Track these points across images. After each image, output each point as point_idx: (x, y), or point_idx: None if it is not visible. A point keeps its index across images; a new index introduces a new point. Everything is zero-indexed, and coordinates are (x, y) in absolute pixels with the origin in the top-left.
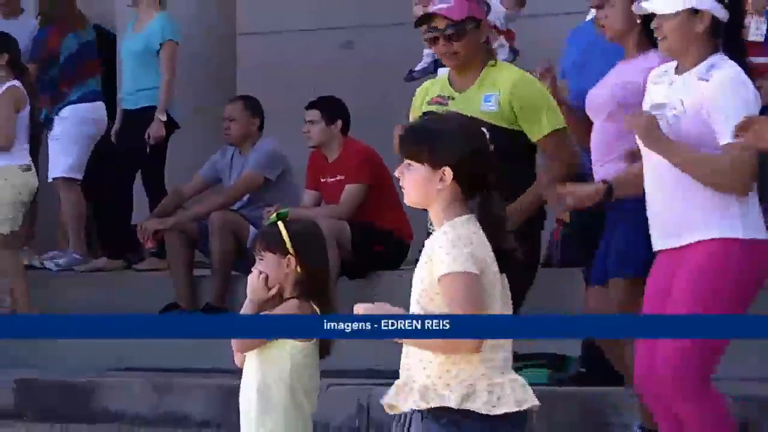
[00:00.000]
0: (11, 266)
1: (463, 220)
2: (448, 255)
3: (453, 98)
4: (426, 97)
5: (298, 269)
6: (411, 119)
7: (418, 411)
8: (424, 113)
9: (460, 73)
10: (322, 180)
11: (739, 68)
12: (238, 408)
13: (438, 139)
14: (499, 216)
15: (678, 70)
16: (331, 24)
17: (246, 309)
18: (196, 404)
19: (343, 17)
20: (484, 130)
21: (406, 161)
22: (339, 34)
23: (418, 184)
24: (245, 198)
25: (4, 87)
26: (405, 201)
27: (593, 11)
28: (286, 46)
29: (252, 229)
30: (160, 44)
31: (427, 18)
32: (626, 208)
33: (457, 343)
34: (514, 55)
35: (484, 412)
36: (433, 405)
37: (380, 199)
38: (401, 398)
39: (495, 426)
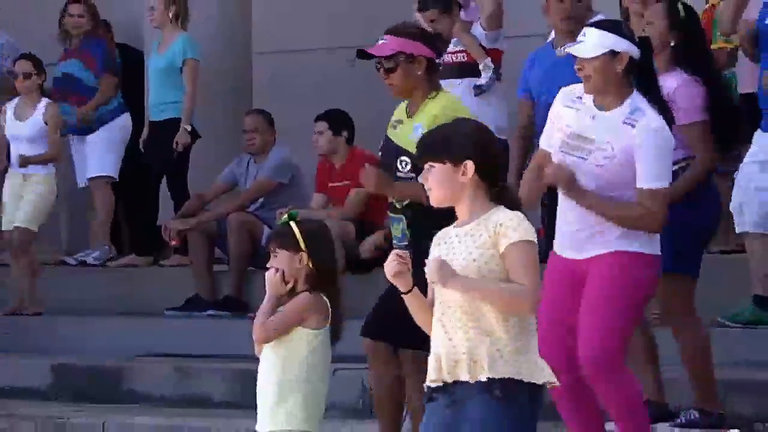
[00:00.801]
0: (34, 263)
1: (501, 208)
2: (520, 225)
3: (402, 123)
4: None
5: (310, 264)
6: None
7: (488, 381)
8: (387, 135)
9: (409, 102)
10: (329, 185)
11: (658, 116)
12: (255, 390)
13: (454, 138)
14: (518, 203)
15: (598, 105)
16: (337, 44)
17: (266, 303)
18: (216, 387)
19: (347, 38)
20: (489, 129)
21: (428, 165)
22: (344, 53)
23: (443, 182)
24: (260, 201)
25: (44, 103)
26: (432, 202)
27: (552, 34)
28: (297, 64)
29: (266, 228)
30: (183, 62)
31: (362, 54)
32: None
33: (520, 306)
34: (497, 75)
35: (547, 381)
36: (507, 375)
37: (381, 202)
38: (460, 371)
39: (540, 396)
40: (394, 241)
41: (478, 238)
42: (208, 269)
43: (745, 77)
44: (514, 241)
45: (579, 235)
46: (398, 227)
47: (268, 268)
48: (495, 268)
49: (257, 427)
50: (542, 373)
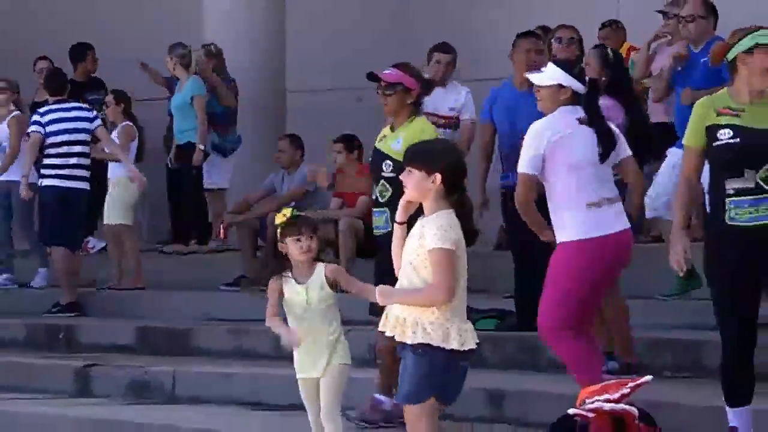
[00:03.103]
0: (135, 248)
1: (447, 212)
2: (436, 235)
3: (386, 137)
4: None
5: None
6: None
7: (410, 344)
8: (375, 147)
9: (394, 120)
10: (344, 191)
11: (543, 119)
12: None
13: (431, 154)
14: (469, 207)
15: None
16: (349, 85)
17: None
18: (260, 343)
19: (357, 80)
20: (459, 150)
21: (408, 168)
22: (354, 92)
23: (416, 185)
24: (292, 203)
25: (120, 126)
26: (406, 197)
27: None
28: (320, 100)
29: None
30: (191, 98)
31: (373, 76)
32: None
33: (433, 301)
34: None
35: (457, 348)
36: (421, 341)
37: None
38: (398, 331)
39: (458, 358)
40: (378, 230)
41: (420, 237)
42: (253, 255)
43: (656, 109)
44: (430, 248)
45: None
46: (381, 218)
47: None
48: (423, 265)
49: (312, 374)
50: (453, 342)
